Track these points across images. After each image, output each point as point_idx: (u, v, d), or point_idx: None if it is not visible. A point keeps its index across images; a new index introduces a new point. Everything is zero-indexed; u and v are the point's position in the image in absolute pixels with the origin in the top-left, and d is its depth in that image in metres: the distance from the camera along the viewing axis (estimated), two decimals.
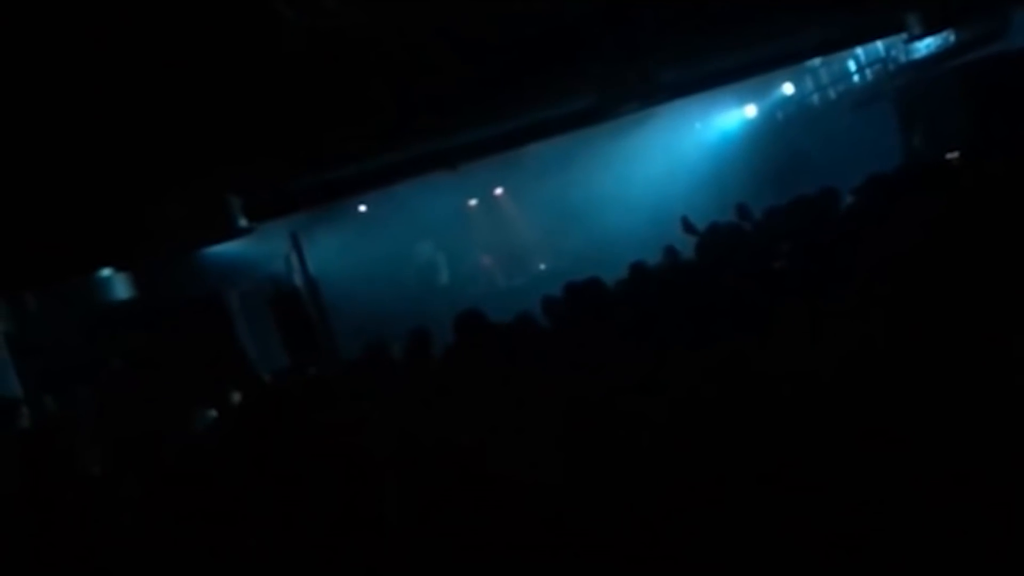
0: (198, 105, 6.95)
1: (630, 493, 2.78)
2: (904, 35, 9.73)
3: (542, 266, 14.80)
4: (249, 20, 6.05)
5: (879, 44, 11.65)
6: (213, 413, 6.03)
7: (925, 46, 10.42)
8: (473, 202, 15.12)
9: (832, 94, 13.38)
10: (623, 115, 9.44)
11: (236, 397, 6.58)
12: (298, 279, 10.44)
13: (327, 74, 7.00)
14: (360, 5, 5.91)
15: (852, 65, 12.78)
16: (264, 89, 6.95)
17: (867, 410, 2.64)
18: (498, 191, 15.19)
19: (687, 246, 7.10)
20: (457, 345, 4.91)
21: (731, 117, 14.63)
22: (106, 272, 8.96)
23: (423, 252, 14.47)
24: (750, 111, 14.59)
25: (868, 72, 12.55)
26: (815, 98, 13.76)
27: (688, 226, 7.42)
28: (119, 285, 9.40)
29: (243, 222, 8.23)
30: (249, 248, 9.95)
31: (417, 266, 14.40)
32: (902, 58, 11.50)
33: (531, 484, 2.99)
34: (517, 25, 7.11)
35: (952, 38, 10.04)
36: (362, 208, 13.49)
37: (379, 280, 12.66)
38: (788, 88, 13.82)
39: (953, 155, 8.33)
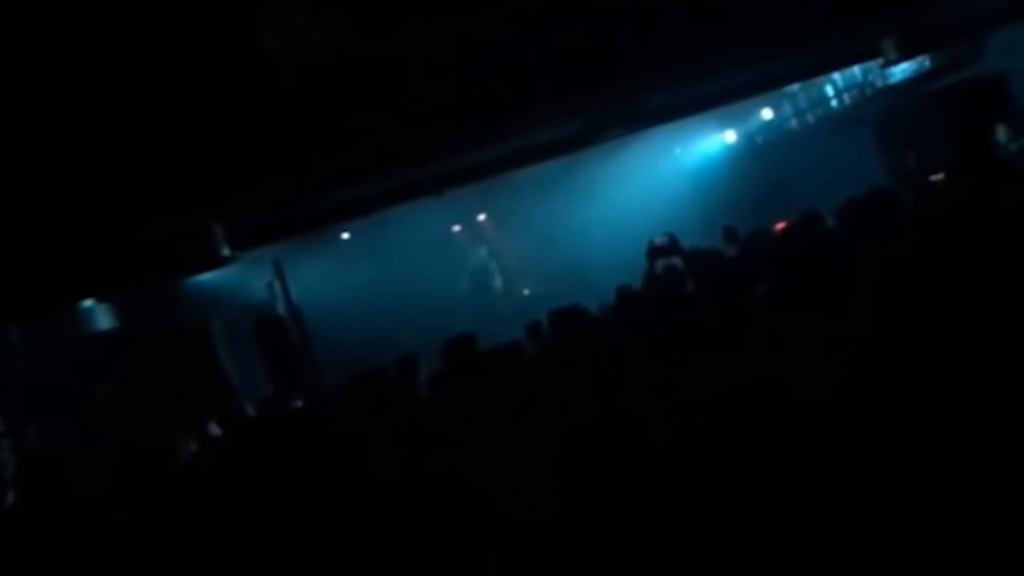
0: (181, 135, 6.95)
1: (623, 521, 2.78)
2: (880, 60, 9.87)
3: (526, 291, 14.81)
4: (234, 51, 6.09)
5: (856, 69, 11.80)
6: (194, 446, 5.99)
7: (901, 71, 10.57)
8: (457, 228, 15.13)
9: (811, 118, 13.52)
10: (606, 141, 9.51)
11: (215, 429, 6.54)
12: (281, 307, 10.41)
13: (310, 103, 7.03)
14: (344, 38, 5.95)
15: (830, 90, 12.92)
16: (247, 118, 6.97)
17: (870, 423, 2.65)
18: (481, 217, 15.21)
19: None
20: (445, 371, 4.90)
21: (711, 142, 14.75)
22: (88, 302, 8.90)
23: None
24: (730, 136, 14.72)
25: (846, 96, 12.70)
26: (794, 122, 13.90)
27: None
28: (101, 315, 9.34)
29: (226, 251, 8.20)
30: (232, 277, 9.91)
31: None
32: (879, 83, 11.66)
33: (521, 514, 2.99)
34: (499, 53, 7.17)
35: (927, 63, 10.19)
36: (345, 236, 13.47)
37: (361, 305, 12.65)
38: (767, 113, 13.95)
39: (938, 176, 8.45)
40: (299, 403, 8.17)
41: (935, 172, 8.98)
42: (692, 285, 6.11)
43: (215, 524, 3.18)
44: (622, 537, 2.66)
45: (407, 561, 3.00)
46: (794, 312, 3.44)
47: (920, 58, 9.99)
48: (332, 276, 12.81)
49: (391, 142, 7.54)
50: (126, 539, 3.09)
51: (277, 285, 10.35)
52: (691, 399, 3.06)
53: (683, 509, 2.66)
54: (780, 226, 8.29)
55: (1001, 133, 10.30)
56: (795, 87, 12.59)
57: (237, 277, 10.03)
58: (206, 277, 9.21)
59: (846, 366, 2.88)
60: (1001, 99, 11.27)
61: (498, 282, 14.45)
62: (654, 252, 6.78)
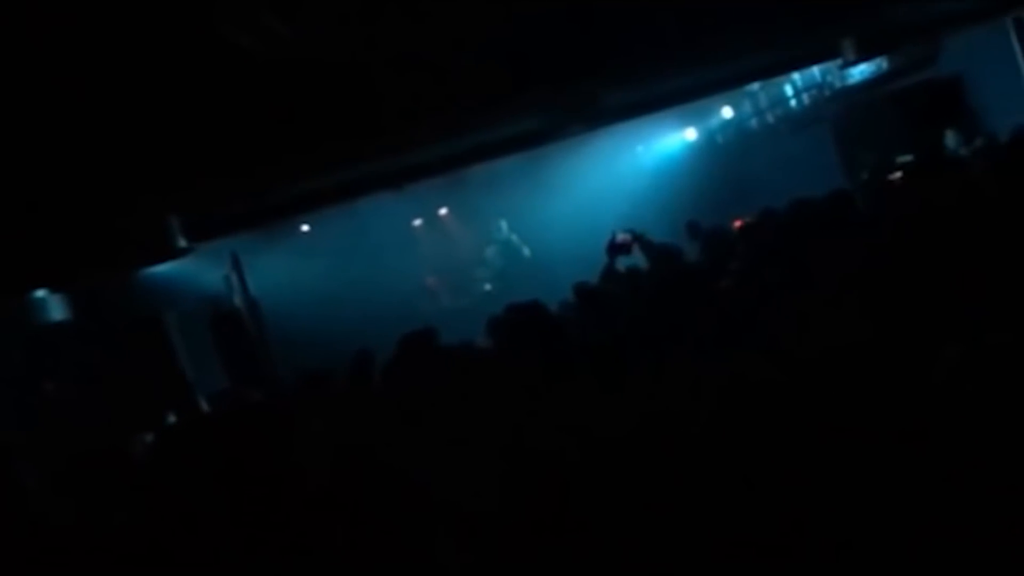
0: (137, 123, 6.85)
1: (573, 522, 2.77)
2: (839, 61, 9.97)
3: (487, 286, 14.79)
4: (193, 41, 6.01)
5: (815, 70, 11.92)
6: (149, 437, 5.91)
7: (859, 72, 10.70)
8: (418, 222, 15.08)
9: (770, 118, 13.64)
10: (568, 137, 9.51)
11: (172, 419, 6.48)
12: (238, 300, 10.31)
13: (269, 96, 6.96)
14: (311, 33, 5.90)
15: (789, 90, 13.05)
16: (206, 110, 6.88)
17: (860, 423, 2.65)
18: (443, 211, 15.17)
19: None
20: (399, 365, 4.85)
21: (672, 140, 14.84)
22: (41, 293, 8.74)
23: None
24: (691, 134, 14.82)
25: (805, 97, 12.83)
26: (754, 122, 14.02)
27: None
28: (55, 306, 9.18)
29: (182, 242, 8.09)
30: (188, 268, 9.79)
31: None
32: (837, 83, 11.79)
33: (470, 510, 2.98)
34: (461, 49, 7.14)
35: (885, 64, 10.33)
36: (305, 228, 13.37)
37: (320, 298, 12.57)
38: (727, 111, 14.05)
39: (896, 175, 8.59)
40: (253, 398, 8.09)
41: (892, 172, 9.12)
42: (655, 280, 6.13)
43: (161, 522, 3.14)
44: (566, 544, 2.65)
45: (360, 556, 2.98)
46: (764, 308, 3.46)
47: (878, 59, 10.12)
48: (291, 269, 12.70)
49: (354, 136, 7.49)
50: (72, 538, 3.04)
51: (234, 277, 10.25)
52: (663, 396, 3.07)
53: (630, 519, 2.66)
54: (738, 223, 8.37)
55: (950, 138, 10.48)
56: (755, 86, 12.70)
57: (193, 268, 9.91)
58: (161, 268, 9.08)
59: (832, 363, 2.88)
60: (956, 101, 11.48)
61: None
62: (614, 249, 6.81)
